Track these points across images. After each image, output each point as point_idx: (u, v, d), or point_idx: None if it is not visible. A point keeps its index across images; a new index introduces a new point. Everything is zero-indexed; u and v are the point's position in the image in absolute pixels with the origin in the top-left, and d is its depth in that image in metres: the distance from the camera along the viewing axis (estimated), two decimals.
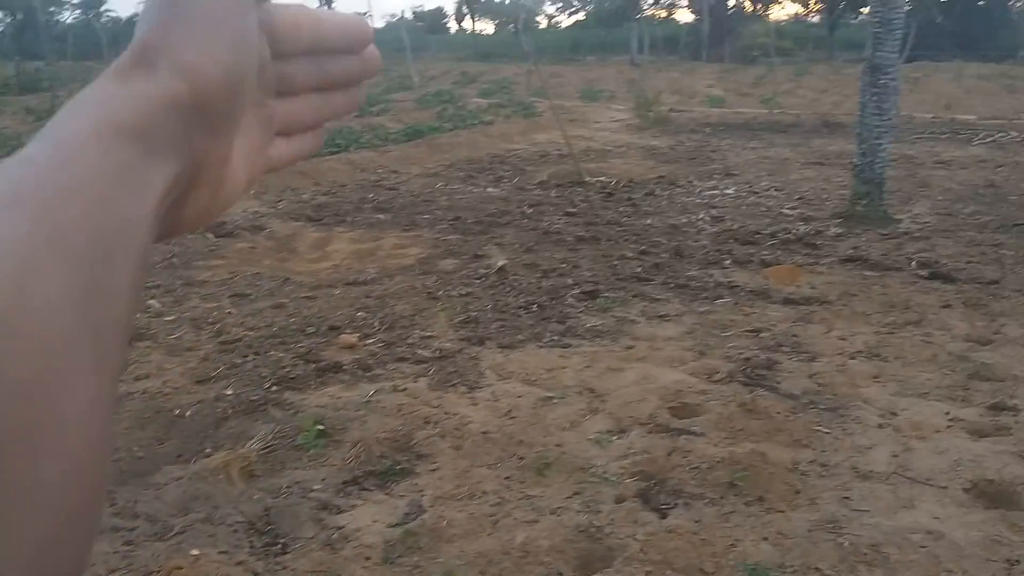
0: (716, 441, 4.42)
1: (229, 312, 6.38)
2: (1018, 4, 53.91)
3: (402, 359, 5.55)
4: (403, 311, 6.39)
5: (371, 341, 5.85)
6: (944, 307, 6.47)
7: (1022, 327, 6.01)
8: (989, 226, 9.03)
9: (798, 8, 63.02)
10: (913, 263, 7.56)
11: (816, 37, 52.31)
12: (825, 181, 11.84)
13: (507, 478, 4.15)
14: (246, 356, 5.54)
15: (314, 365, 5.42)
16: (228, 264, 7.73)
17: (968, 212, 9.77)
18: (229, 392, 5.03)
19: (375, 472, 4.21)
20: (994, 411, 4.72)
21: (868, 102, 9.05)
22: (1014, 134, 16.96)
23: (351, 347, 5.71)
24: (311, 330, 6.02)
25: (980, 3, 49.83)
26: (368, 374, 5.33)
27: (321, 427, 4.54)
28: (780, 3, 62.40)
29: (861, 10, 55.12)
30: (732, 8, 55.41)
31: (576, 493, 4.01)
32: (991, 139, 16.45)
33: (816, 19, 58.37)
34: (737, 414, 4.67)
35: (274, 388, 5.09)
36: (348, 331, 5.98)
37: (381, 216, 9.68)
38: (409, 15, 74.84)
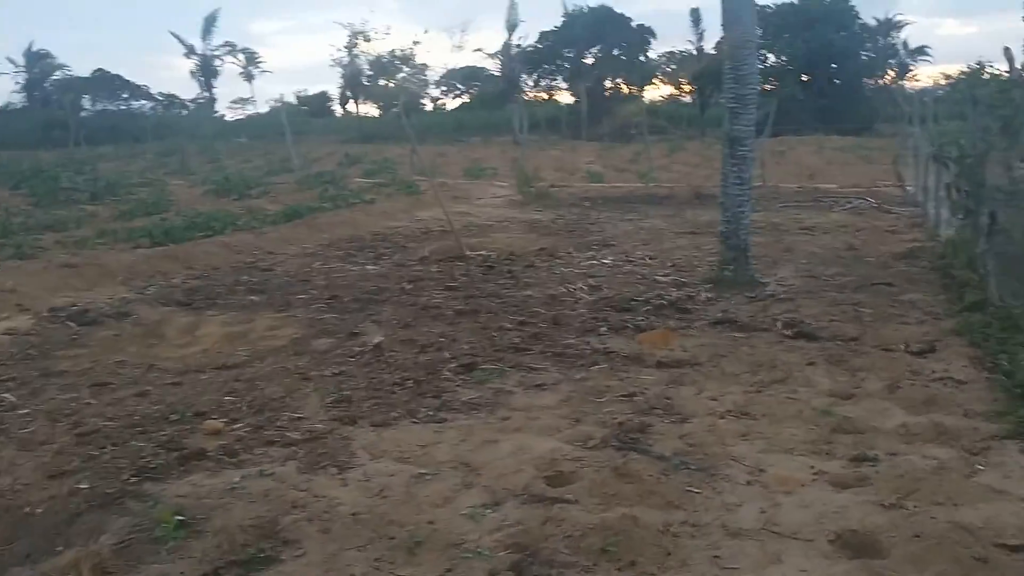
0: (590, 508, 4.38)
1: (88, 403, 6.05)
2: (870, 83, 57.71)
3: (270, 442, 5.34)
4: (273, 393, 6.20)
5: (238, 426, 5.62)
6: (808, 364, 6.68)
7: (881, 380, 6.25)
8: (849, 286, 9.45)
9: (671, 89, 66.02)
10: (779, 324, 7.81)
11: (689, 116, 54.75)
12: (697, 249, 12.22)
13: (377, 560, 4.00)
14: (104, 447, 5.24)
15: (177, 453, 5.15)
16: (90, 353, 7.38)
17: (830, 274, 10.22)
18: (84, 486, 4.72)
19: (238, 562, 3.98)
20: (856, 462, 4.85)
21: (729, 172, 9.44)
22: (871, 201, 17.99)
23: (217, 433, 5.47)
24: (175, 417, 5.75)
25: (837, 81, 53.20)
26: (234, 460, 5.10)
27: (181, 518, 4.30)
28: (654, 84, 65.06)
29: None
30: (609, 89, 57.59)
31: (448, 570, 3.89)
32: (850, 206, 17.39)
33: (688, 99, 61.15)
34: (610, 479, 4.65)
35: (133, 479, 4.81)
36: (214, 416, 5.74)
37: (255, 298, 9.45)
38: (292, 99, 74.68)
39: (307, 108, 73.58)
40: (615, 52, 57.00)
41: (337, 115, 72.21)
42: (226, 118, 73.46)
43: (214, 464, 5.04)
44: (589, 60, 57.25)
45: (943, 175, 10.46)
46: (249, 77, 70.00)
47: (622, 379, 6.42)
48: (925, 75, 63.59)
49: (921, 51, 63.48)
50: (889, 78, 62.06)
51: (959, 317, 7.64)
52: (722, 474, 4.75)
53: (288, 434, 5.46)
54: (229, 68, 68.05)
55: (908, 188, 19.13)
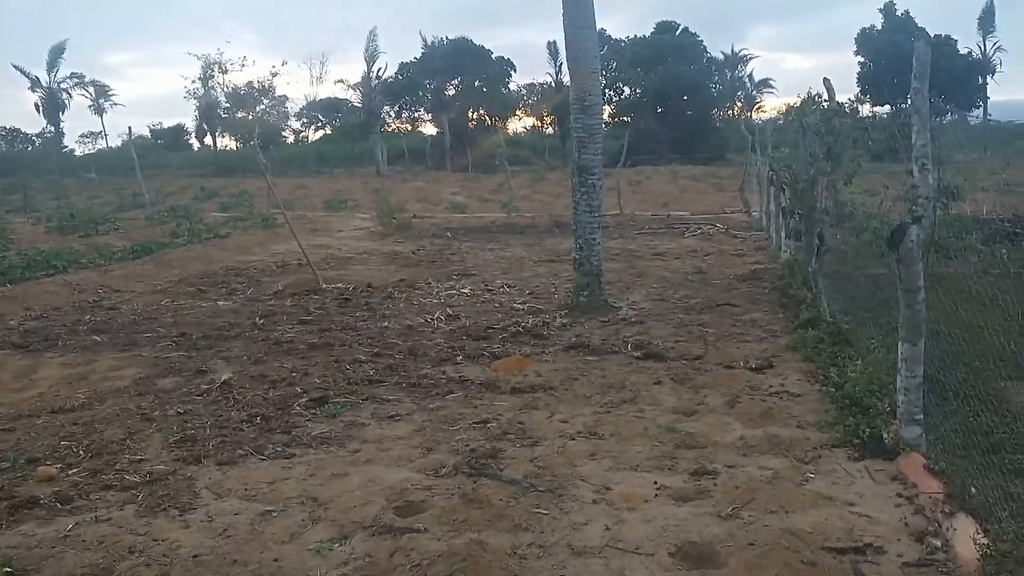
0: (438, 535, 4.37)
1: None
2: (720, 114, 60.63)
3: (108, 487, 5.11)
4: (113, 436, 5.93)
5: (74, 471, 5.36)
6: (655, 384, 6.90)
7: (722, 396, 6.51)
8: (695, 308, 9.84)
9: (533, 120, 67.29)
10: (629, 346, 8.05)
11: (551, 146, 55.92)
12: (555, 276, 12.46)
13: None
14: None
15: (6, 503, 4.87)
16: None
17: (679, 297, 10.61)
18: None
19: None
20: (696, 476, 5.02)
21: (579, 201, 9.69)
22: (720, 226, 18.80)
23: (50, 479, 5.20)
24: (5, 465, 5.43)
25: (689, 112, 55.57)
26: (68, 507, 4.86)
27: (9, 570, 4.06)
28: (517, 115, 66.19)
29: None
30: (472, 120, 58.23)
31: None
32: (700, 231, 18.12)
33: (550, 130, 62.45)
34: (459, 506, 4.67)
35: None
36: (48, 462, 5.45)
37: (98, 338, 9.03)
38: (146, 132, 72.06)
39: (162, 141, 71.11)
40: (476, 83, 57.70)
41: (194, 148, 70.04)
42: (75, 153, 70.25)
43: (46, 512, 4.80)
44: (451, 91, 57.75)
45: (781, 199, 11.04)
46: (100, 110, 67.04)
47: (476, 406, 6.46)
48: (770, 106, 67.34)
49: (766, 83, 67.11)
50: (738, 109, 65.33)
51: (794, 334, 8.06)
52: (570, 494, 4.83)
53: (127, 477, 5.24)
54: (78, 101, 64.95)
55: (753, 213, 20.09)
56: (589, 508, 4.67)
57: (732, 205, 22.80)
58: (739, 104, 66.20)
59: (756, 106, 66.48)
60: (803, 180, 9.32)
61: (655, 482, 4.96)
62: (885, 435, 5.18)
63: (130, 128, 39.36)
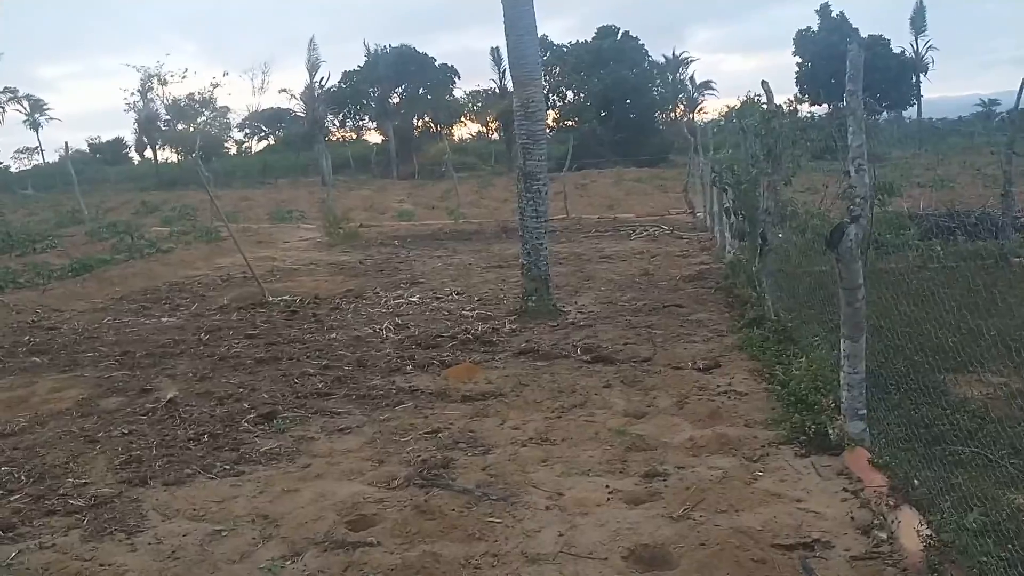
0: (392, 548, 4.35)
1: None
2: (663, 116, 61.29)
3: (52, 512, 4.99)
4: (55, 459, 5.79)
5: (15, 497, 5.21)
6: (605, 387, 6.95)
7: (671, 397, 6.57)
8: (643, 310, 9.92)
9: (479, 127, 67.32)
10: (579, 350, 8.09)
11: (497, 152, 56.02)
12: (503, 282, 12.47)
13: None
14: None
15: None
16: None
17: (626, 299, 10.69)
18: None
19: None
20: (647, 479, 5.06)
21: (525, 207, 9.72)
22: (665, 228, 18.99)
23: None
24: None
25: (632, 116, 56.06)
26: (11, 534, 4.73)
27: None
28: (462, 122, 66.12)
29: None
30: (418, 127, 58.10)
31: None
32: (647, 233, 18.29)
33: (496, 136, 62.53)
34: (412, 517, 4.64)
35: None
36: None
37: (37, 359, 8.80)
38: (84, 146, 70.44)
39: (101, 156, 69.66)
40: (420, 91, 57.59)
41: (135, 162, 68.75)
42: (11, 169, 68.46)
43: None
44: (395, 99, 57.56)
45: (724, 200, 11.19)
46: (35, 125, 65.52)
47: (427, 416, 6.44)
48: (712, 108, 68.15)
49: (707, 85, 67.97)
50: (680, 111, 66.08)
51: (740, 333, 8.17)
52: (523, 501, 4.84)
53: (71, 501, 5.12)
54: (12, 116, 63.33)
55: (698, 214, 20.31)
56: (542, 515, 4.67)
57: (677, 206, 23.04)
58: (681, 106, 66.98)
59: (698, 108, 67.32)
60: (745, 181, 9.44)
61: (607, 486, 4.99)
62: (830, 431, 5.27)
63: (67, 143, 38.56)
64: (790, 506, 4.58)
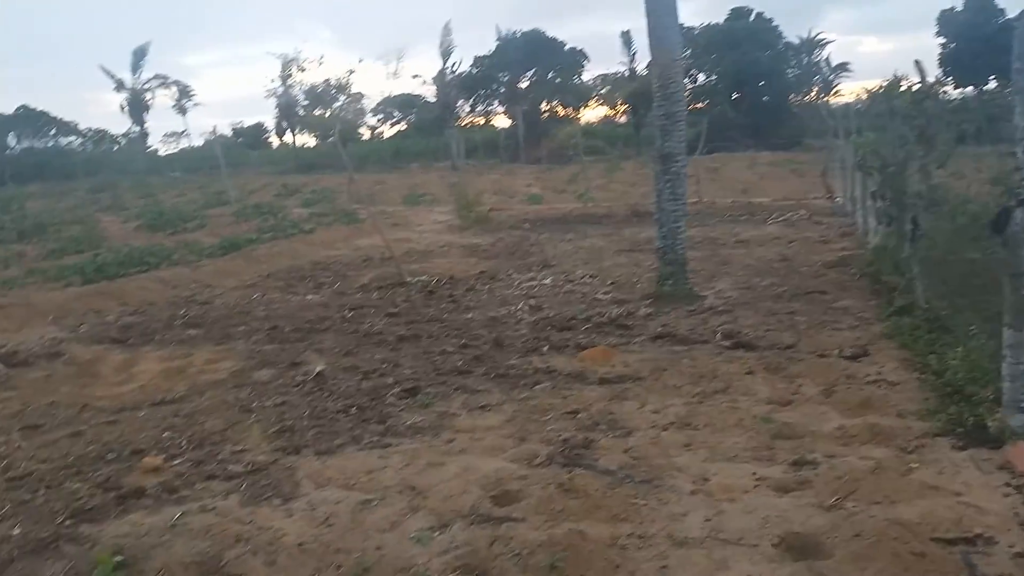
0: (537, 525, 4.38)
1: (18, 446, 5.87)
2: (797, 99, 59.22)
3: (212, 477, 5.25)
4: (214, 427, 6.10)
5: (178, 462, 5.51)
6: (747, 374, 6.80)
7: (817, 386, 6.38)
8: (784, 296, 9.65)
9: (606, 110, 66.85)
10: (718, 335, 7.95)
11: (624, 135, 55.47)
12: (636, 266, 12.37)
13: None
14: (36, 491, 5.09)
15: (114, 493, 5.02)
16: (20, 395, 7.18)
17: (765, 285, 10.42)
18: (16, 532, 4.57)
19: None
20: (796, 467, 4.93)
21: (663, 189, 9.59)
22: (803, 212, 18.41)
23: (155, 470, 5.36)
24: (111, 456, 5.61)
25: (765, 98, 54.49)
26: (174, 496, 5.00)
27: (120, 558, 4.19)
28: (590, 106, 65.75)
29: None
30: (545, 111, 58.12)
31: None
32: (783, 218, 17.77)
33: (623, 119, 61.96)
34: (556, 495, 4.67)
35: (68, 522, 4.67)
36: (153, 453, 5.62)
37: (193, 332, 9.30)
38: (227, 131, 73.65)
39: (243, 140, 72.72)
40: (549, 75, 57.54)
41: (274, 146, 71.49)
42: (159, 152, 72.28)
43: (153, 502, 4.93)
44: (524, 84, 57.72)
45: (869, 184, 10.75)
46: (182, 110, 68.84)
47: (565, 397, 6.46)
48: (848, 90, 65.47)
49: (843, 67, 65.25)
50: (814, 94, 63.75)
51: (889, 321, 7.85)
52: (667, 485, 4.79)
53: (230, 467, 5.37)
54: (161, 102, 66.87)
55: (837, 199, 19.60)
56: (687, 499, 4.62)
57: (814, 191, 22.29)
58: (815, 89, 64.59)
59: (833, 90, 64.81)
60: (892, 164, 9.04)
61: (754, 473, 4.89)
62: (990, 424, 5.01)
63: (215, 127, 40.52)
64: (949, 499, 4.37)
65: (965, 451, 4.95)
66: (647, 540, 4.19)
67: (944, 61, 54.14)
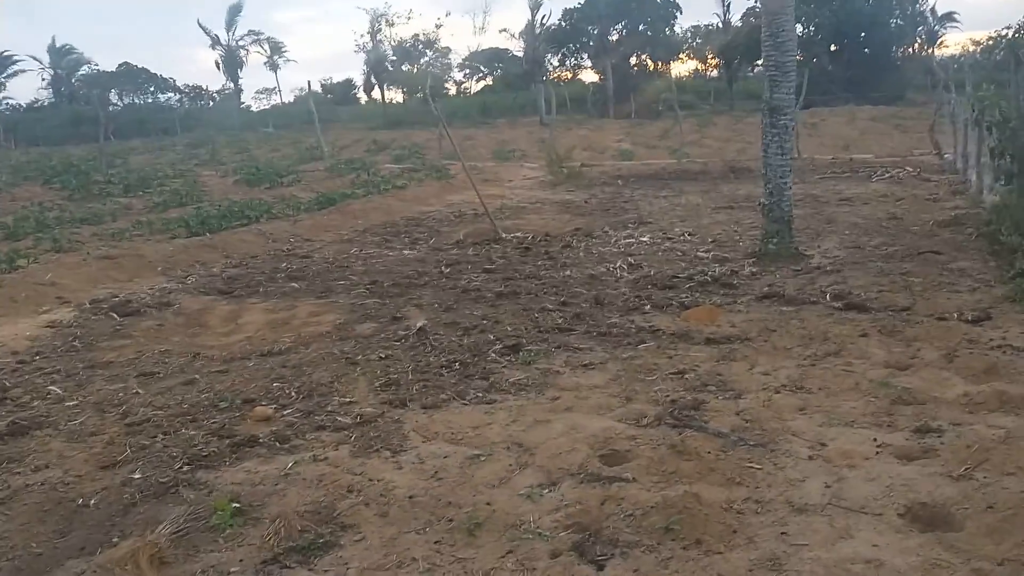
0: (648, 486, 4.30)
1: (136, 392, 6.06)
2: (900, 51, 56.72)
3: (321, 427, 5.32)
4: (321, 379, 6.18)
5: (288, 412, 5.61)
6: (861, 336, 6.55)
7: (937, 350, 6.10)
8: (895, 256, 9.27)
9: (698, 64, 65.30)
10: (827, 296, 7.68)
11: (716, 90, 54.13)
12: (736, 224, 12.06)
13: (437, 542, 3.95)
14: (155, 437, 5.25)
15: (228, 441, 5.14)
16: (135, 343, 7.40)
17: (874, 244, 10.03)
18: (137, 476, 4.72)
19: (297, 548, 3.95)
20: (919, 434, 4.73)
21: (770, 143, 9.27)
22: (909, 169, 17.66)
23: (267, 419, 5.46)
24: (224, 405, 5.74)
25: (866, 51, 52.31)
26: (286, 446, 5.09)
27: (237, 505, 4.28)
28: (680, 59, 64.31)
29: (757, 63, 57.60)
30: (635, 65, 57.03)
31: (509, 552, 3.83)
32: (888, 175, 17.08)
33: (715, 73, 60.46)
34: (668, 457, 4.57)
35: (185, 468, 4.80)
36: (263, 403, 5.74)
37: (295, 285, 9.45)
38: (317, 87, 74.58)
39: (332, 96, 73.56)
40: (640, 27, 56.34)
41: (362, 102, 72.14)
42: (252, 108, 73.75)
43: (266, 450, 5.03)
44: (614, 37, 56.66)
45: (986, 141, 10.18)
46: (274, 67, 70.06)
47: (670, 357, 6.33)
48: (953, 42, 62.42)
49: (949, 17, 62.27)
50: (918, 46, 60.97)
51: (1012, 284, 7.45)
52: (782, 449, 4.66)
53: (338, 419, 5.43)
54: (254, 59, 68.12)
55: (946, 156, 18.76)
56: (805, 464, 4.47)
57: (920, 147, 21.37)
58: (919, 41, 61.75)
59: (939, 42, 61.91)
60: (1015, 119, 8.53)
61: (874, 439, 4.70)
62: None
63: (309, 83, 40.80)
64: None
65: None
66: (764, 505, 4.07)
67: None
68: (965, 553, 3.54)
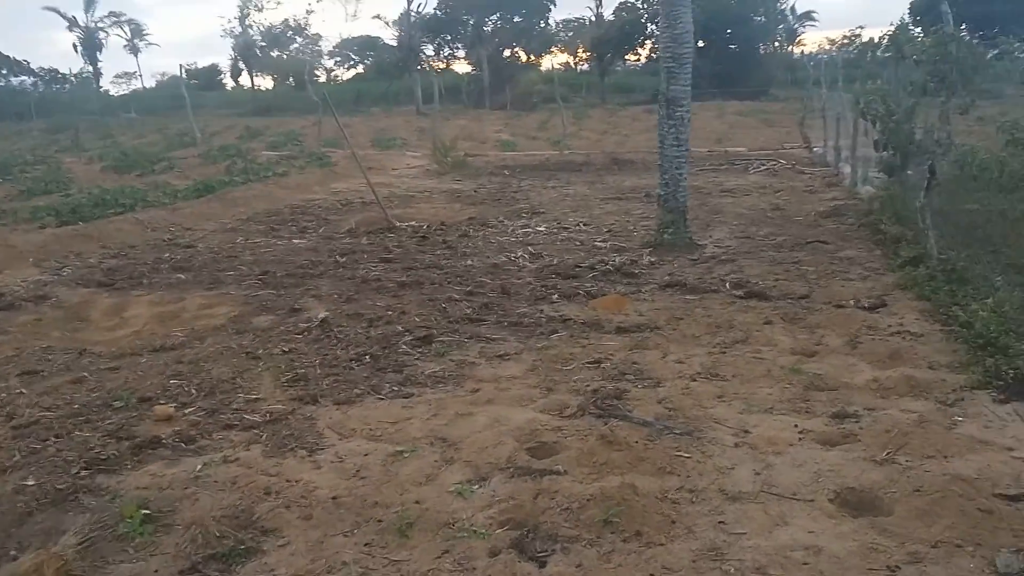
0: (581, 478, 4.24)
1: (20, 392, 5.58)
2: (764, 48, 58.94)
3: (229, 426, 5.02)
4: (222, 374, 5.84)
5: (190, 410, 5.28)
6: (766, 323, 6.69)
7: (840, 337, 6.28)
8: (785, 246, 9.56)
9: (568, 57, 65.98)
10: (727, 284, 7.83)
11: (588, 83, 54.90)
12: (626, 214, 12.20)
13: (367, 544, 3.77)
14: (46, 440, 4.82)
15: (128, 442, 4.78)
16: (12, 340, 6.83)
17: (763, 234, 10.31)
18: (30, 482, 4.33)
19: (216, 556, 3.70)
20: (838, 419, 4.84)
21: (666, 134, 9.37)
22: (783, 162, 18.32)
23: (169, 418, 5.12)
24: (119, 404, 5.34)
25: (732, 47, 54.12)
26: (192, 446, 4.78)
27: (146, 511, 3.98)
28: (552, 52, 64.81)
29: (627, 58, 58.76)
30: (508, 58, 57.20)
31: (445, 552, 3.69)
32: (764, 168, 17.67)
33: (585, 67, 61.27)
34: (597, 447, 4.52)
35: (84, 473, 4.44)
36: (163, 401, 5.37)
37: (181, 276, 8.95)
38: (181, 73, 71.52)
39: (197, 82, 70.77)
40: (515, 19, 56.56)
41: (228, 88, 69.73)
42: (111, 93, 70.18)
43: (171, 452, 4.72)
44: (489, 28, 56.66)
45: (870, 135, 10.58)
46: (135, 50, 66.89)
47: (584, 346, 6.30)
48: (811, 40, 65.39)
49: (808, 16, 65.10)
50: (779, 44, 63.46)
51: (901, 272, 7.77)
52: (708, 437, 4.67)
53: (246, 416, 5.15)
54: (113, 41, 64.88)
55: (815, 149, 19.56)
56: (732, 452, 4.50)
57: (789, 140, 22.21)
58: (779, 39, 64.31)
59: (797, 39, 64.64)
60: (899, 112, 8.90)
61: (795, 425, 4.78)
62: None
63: (181, 66, 38.78)
64: (1002, 455, 4.30)
65: (1008, 405, 4.89)
66: (698, 494, 4.07)
67: (915, 9, 54.07)
68: (899, 537, 3.62)
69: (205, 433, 4.95)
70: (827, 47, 57.66)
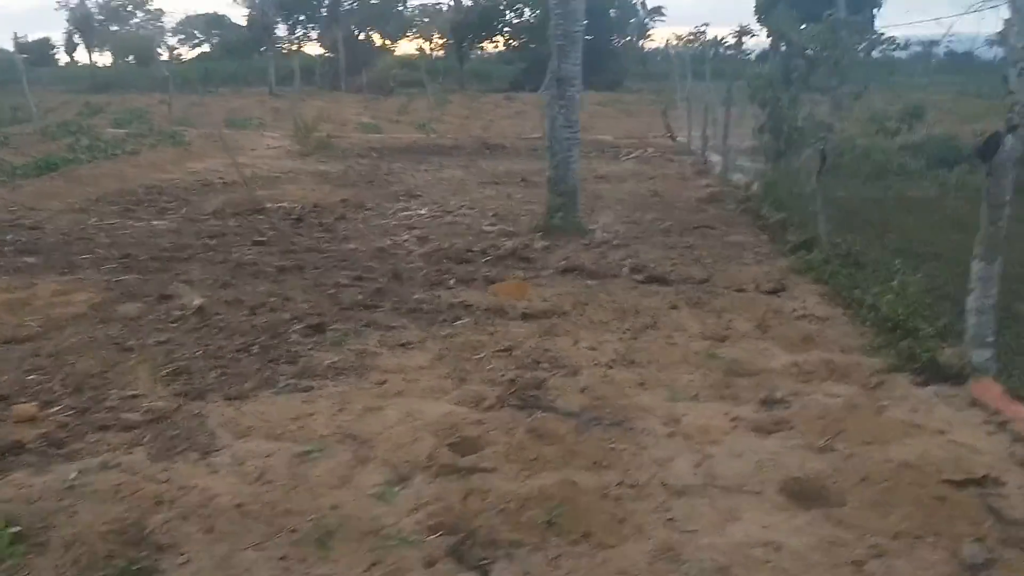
0: (512, 475, 3.91)
1: None
2: (619, 40, 60.06)
3: (104, 427, 4.41)
4: (89, 369, 5.17)
5: (56, 409, 4.61)
6: (672, 308, 6.55)
7: (747, 321, 6.21)
8: (673, 231, 9.52)
9: (423, 43, 65.19)
10: (626, 269, 7.66)
11: (446, 68, 54.41)
12: (508, 198, 11.95)
13: (282, 558, 3.33)
14: None
15: None
16: None
17: (649, 219, 10.26)
18: None
19: None
20: (766, 406, 4.71)
21: (557, 115, 9.14)
22: (651, 150, 18.54)
23: (31, 419, 4.45)
24: None
25: (588, 37, 54.82)
26: (63, 451, 4.16)
27: (16, 529, 3.38)
28: (408, 37, 63.84)
29: (483, 45, 58.55)
30: (362, 41, 55.97)
31: (374, 564, 3.29)
32: (634, 155, 17.82)
33: (440, 53, 60.73)
34: (526, 441, 4.20)
35: None
36: (23, 400, 4.69)
37: (29, 259, 8.01)
38: (8, 45, 66.38)
39: (27, 56, 65.78)
40: (372, 1, 55.38)
41: (61, 64, 65.21)
42: None
43: (37, 458, 4.09)
44: (345, 7, 55.22)
45: (745, 123, 10.72)
46: None
47: (491, 333, 5.96)
48: (659, 36, 67.30)
49: (658, 11, 66.85)
50: (632, 37, 64.90)
51: (793, 256, 7.82)
52: (639, 427, 4.44)
53: (124, 415, 4.55)
54: None
55: (679, 139, 19.92)
56: (667, 442, 4.28)
57: (652, 130, 22.54)
58: (630, 33, 65.77)
59: (647, 34, 66.31)
60: (783, 98, 9.01)
61: (725, 413, 4.61)
62: (946, 359, 4.96)
63: (15, 34, 35.37)
64: (936, 439, 4.25)
65: (927, 387, 4.90)
66: (641, 489, 3.82)
67: (761, 9, 56.26)
68: (857, 529, 3.47)
69: (77, 435, 4.33)
70: (674, 42, 59.39)
